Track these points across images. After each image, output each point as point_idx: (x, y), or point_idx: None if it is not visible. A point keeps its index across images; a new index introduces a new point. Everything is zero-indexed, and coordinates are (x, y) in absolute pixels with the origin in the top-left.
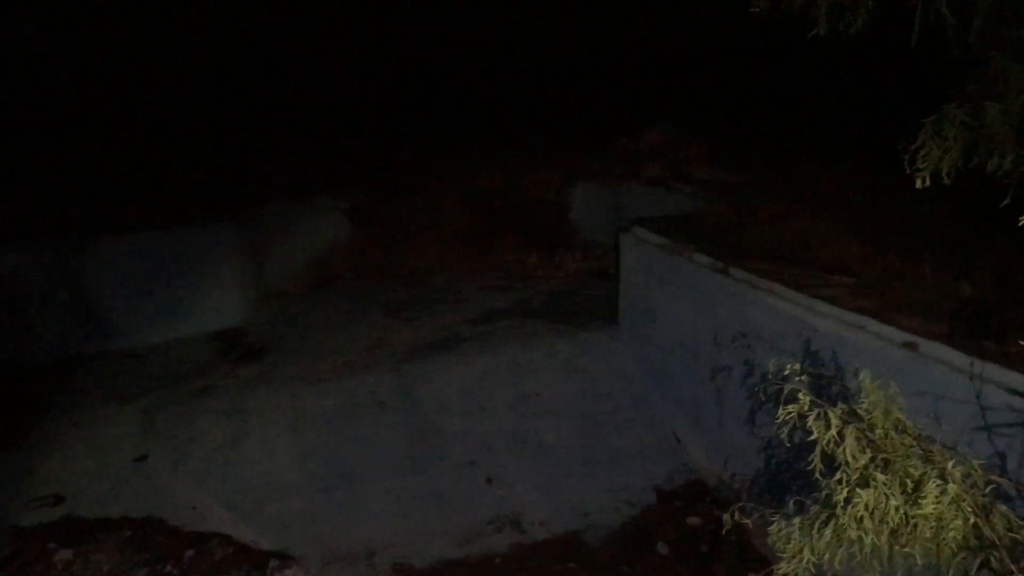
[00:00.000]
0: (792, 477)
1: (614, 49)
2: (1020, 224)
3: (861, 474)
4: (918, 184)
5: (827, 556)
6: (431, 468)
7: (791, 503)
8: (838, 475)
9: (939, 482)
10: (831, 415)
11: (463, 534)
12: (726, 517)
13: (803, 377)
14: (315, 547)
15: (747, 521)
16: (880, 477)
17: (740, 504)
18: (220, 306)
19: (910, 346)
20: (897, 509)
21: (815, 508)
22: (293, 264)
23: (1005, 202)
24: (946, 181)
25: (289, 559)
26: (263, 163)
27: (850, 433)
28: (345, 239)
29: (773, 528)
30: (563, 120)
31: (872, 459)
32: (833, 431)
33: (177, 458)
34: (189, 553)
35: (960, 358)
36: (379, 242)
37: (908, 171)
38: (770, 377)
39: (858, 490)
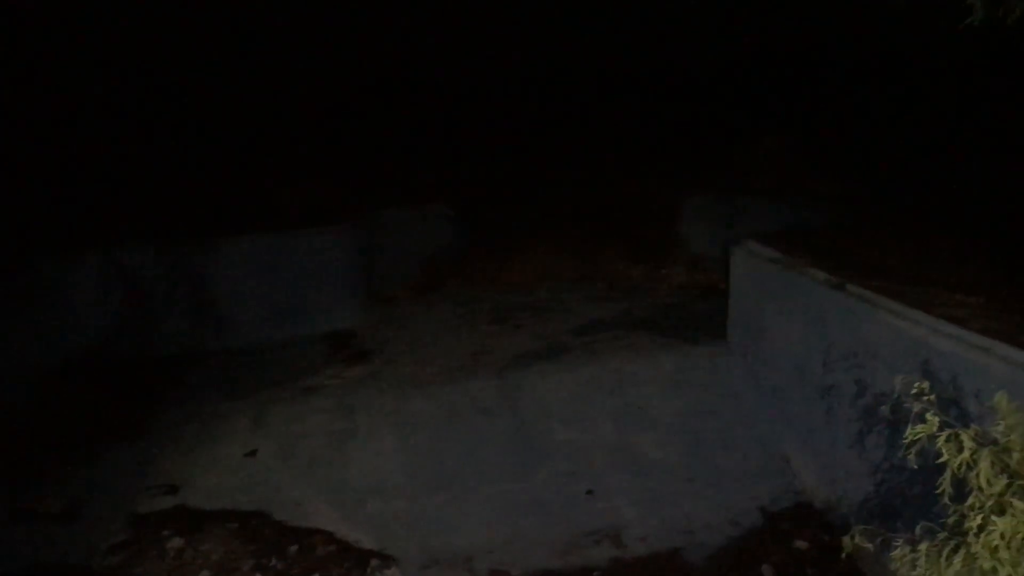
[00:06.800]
0: (904, 501)
1: (728, 57)
2: None
3: (996, 500)
4: None
5: None
6: (532, 476)
7: (918, 529)
8: (970, 501)
9: None
10: (964, 437)
11: (562, 544)
12: (846, 540)
13: (931, 397)
14: (415, 549)
15: (868, 545)
16: (1018, 504)
17: (860, 527)
18: (331, 308)
19: None
20: None
21: (942, 535)
22: (403, 269)
23: None
24: None
25: (389, 559)
26: (377, 169)
27: (984, 457)
28: (453, 246)
29: (896, 553)
30: (674, 130)
31: (1009, 485)
32: (966, 454)
33: (285, 454)
34: (293, 548)
35: None
36: (486, 250)
37: None
38: (891, 397)
39: (993, 517)
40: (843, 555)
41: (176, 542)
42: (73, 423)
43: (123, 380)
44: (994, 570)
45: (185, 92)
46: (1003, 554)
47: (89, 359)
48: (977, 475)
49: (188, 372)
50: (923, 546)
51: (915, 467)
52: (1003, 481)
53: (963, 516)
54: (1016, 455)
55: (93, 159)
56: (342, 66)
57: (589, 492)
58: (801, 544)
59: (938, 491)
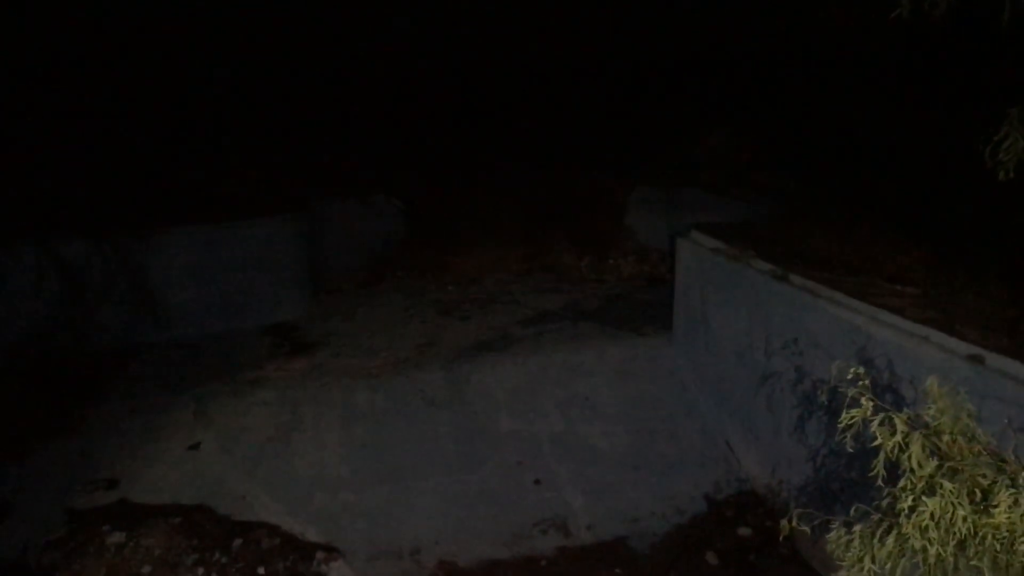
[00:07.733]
0: (841, 486)
1: (674, 54)
2: None
3: (927, 482)
4: (1001, 176)
5: (888, 566)
6: (479, 467)
7: (852, 510)
8: (902, 482)
9: (1012, 491)
10: (897, 420)
11: (509, 535)
12: (783, 523)
13: (865, 382)
14: (361, 541)
15: (805, 528)
16: (947, 485)
17: (799, 510)
18: (276, 300)
19: (976, 359)
20: (965, 519)
21: (876, 516)
22: (349, 261)
23: None
24: None
25: (335, 552)
26: (324, 160)
27: (916, 439)
28: (400, 238)
29: (832, 536)
30: (621, 124)
31: (939, 466)
32: (898, 437)
33: (228, 447)
34: (237, 542)
35: None
36: (434, 242)
37: (989, 164)
38: (829, 383)
39: (923, 498)
40: (781, 539)
41: (116, 537)
42: (7, 417)
43: (60, 373)
44: (924, 549)
45: (123, 81)
46: (932, 534)
47: (24, 351)
48: (909, 457)
49: (127, 365)
50: (857, 528)
51: (851, 451)
52: (933, 463)
53: (895, 498)
54: (946, 437)
55: (29, 148)
56: (287, 56)
57: (536, 482)
58: (744, 531)
59: (872, 474)
